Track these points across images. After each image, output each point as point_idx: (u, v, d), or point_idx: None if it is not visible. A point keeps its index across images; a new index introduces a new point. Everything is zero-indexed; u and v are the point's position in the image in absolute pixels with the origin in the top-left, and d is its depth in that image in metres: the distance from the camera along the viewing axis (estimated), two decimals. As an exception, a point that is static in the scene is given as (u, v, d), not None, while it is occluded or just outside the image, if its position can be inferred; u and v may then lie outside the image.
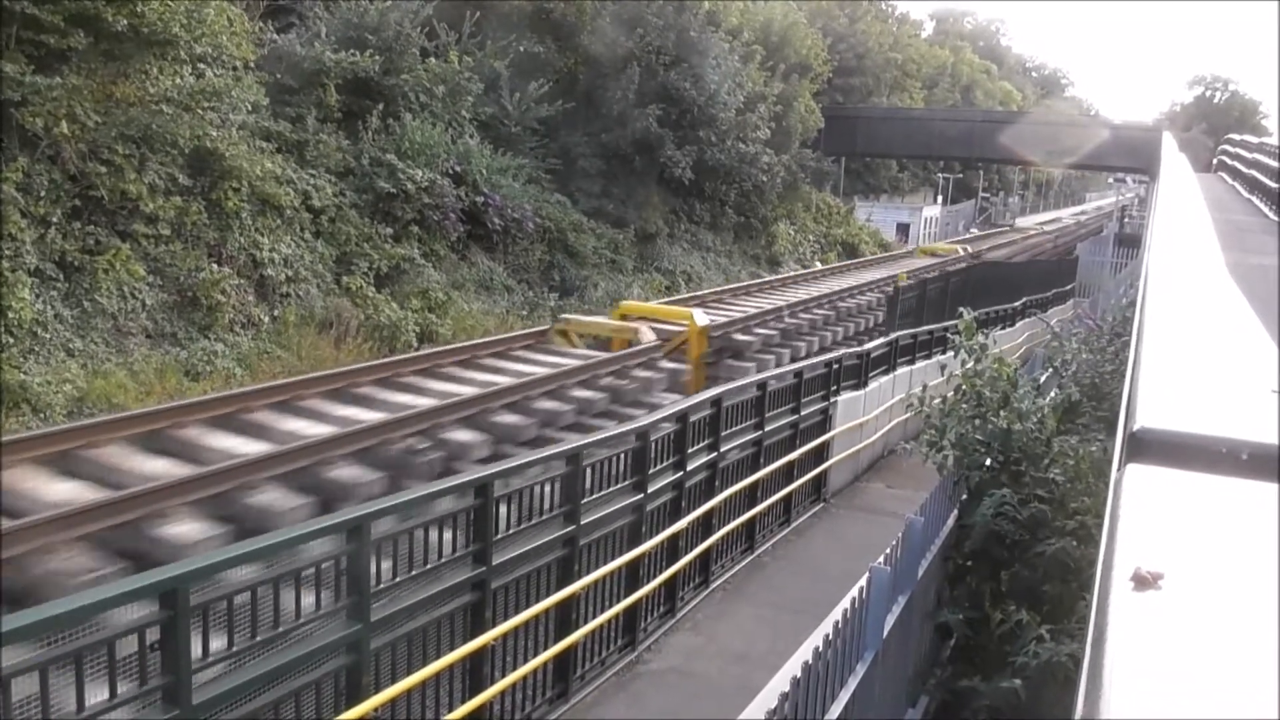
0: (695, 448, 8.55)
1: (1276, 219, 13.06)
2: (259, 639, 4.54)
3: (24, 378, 11.02)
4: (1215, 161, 25.81)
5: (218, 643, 4.33)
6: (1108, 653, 0.78)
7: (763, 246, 31.53)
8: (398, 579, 5.35)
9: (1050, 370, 9.67)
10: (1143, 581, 0.87)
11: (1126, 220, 46.85)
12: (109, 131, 13.36)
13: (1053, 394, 8.22)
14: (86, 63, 13.31)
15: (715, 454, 8.94)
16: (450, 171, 19.61)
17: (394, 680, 5.28)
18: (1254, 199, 15.88)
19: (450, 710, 5.67)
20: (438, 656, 5.60)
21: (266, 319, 14.91)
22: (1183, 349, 2.14)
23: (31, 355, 11.49)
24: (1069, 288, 30.09)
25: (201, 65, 15.21)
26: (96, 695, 3.79)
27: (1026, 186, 75.44)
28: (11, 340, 11.29)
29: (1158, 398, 1.46)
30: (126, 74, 13.91)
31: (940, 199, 52.66)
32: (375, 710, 5.07)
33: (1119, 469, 1.25)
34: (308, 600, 4.82)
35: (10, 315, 11.34)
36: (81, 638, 3.74)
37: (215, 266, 14.38)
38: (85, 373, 11.67)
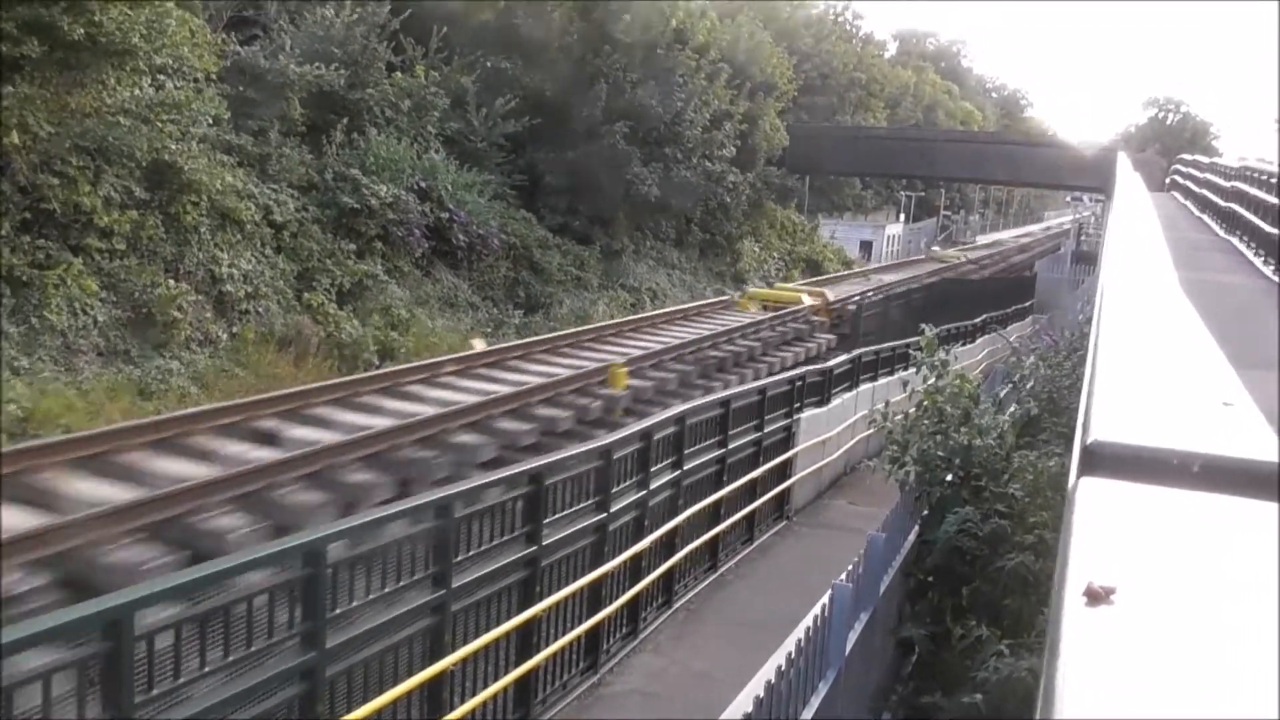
0: (658, 466, 8.51)
1: (1226, 236, 13.34)
2: (208, 669, 4.40)
3: (-34, 396, 10.71)
4: (1168, 181, 26.37)
5: (164, 673, 4.20)
6: (1059, 669, 0.76)
7: (728, 263, 31.67)
8: (354, 603, 5.24)
9: (1010, 386, 9.77)
10: (1095, 596, 0.84)
11: (1083, 238, 47.68)
12: (63, 142, 13.10)
13: (1012, 409, 8.29)
14: (40, 71, 13.03)
15: (679, 472, 8.90)
16: (415, 187, 19.48)
17: (350, 708, 5.16)
18: (1205, 217, 16.24)
19: (408, 735, 5.55)
20: (395, 682, 5.48)
21: (225, 336, 14.66)
22: (1137, 363, 2.14)
23: (-24, 373, 11.18)
24: (1028, 304, 30.53)
25: (162, 76, 14.97)
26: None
27: (987, 205, 76.58)
28: (-44, 357, 10.99)
29: (1111, 411, 1.44)
30: (83, 84, 13.64)
31: (903, 217, 53.22)
32: (330, 737, 4.95)
33: (1074, 482, 1.23)
34: (260, 627, 4.69)
35: (-45, 332, 11.04)
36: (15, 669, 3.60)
37: (172, 282, 14.12)
38: (31, 392, 11.36)
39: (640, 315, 20.16)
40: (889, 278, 32.27)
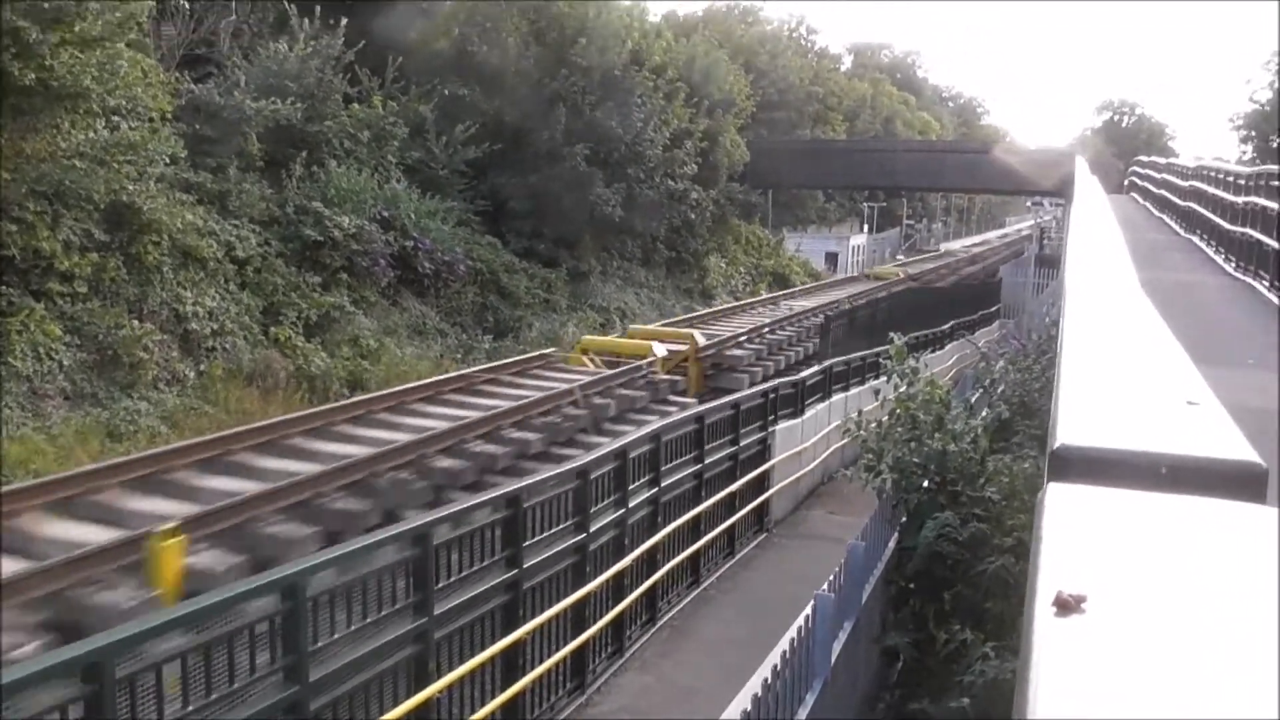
0: (636, 484, 8.50)
1: (1185, 235, 13.62)
2: (191, 709, 4.35)
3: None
4: (1126, 182, 26.89)
5: (147, 715, 4.14)
6: (1031, 680, 0.76)
7: (695, 280, 31.79)
8: (336, 635, 5.20)
9: (980, 390, 9.87)
10: (1065, 606, 0.85)
11: (1045, 242, 48.30)
12: (18, 188, 12.94)
13: (984, 413, 8.38)
14: (-8, 118, 12.90)
15: (656, 489, 8.90)
16: (378, 217, 19.41)
17: (335, 742, 5.10)
18: (1164, 217, 16.57)
19: (395, 769, 5.48)
20: (380, 713, 5.43)
21: (192, 374, 14.50)
22: (1102, 366, 2.18)
23: (-60, 423, 10.98)
24: (995, 309, 30.87)
25: (116, 118, 14.85)
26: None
27: (949, 212, 77.47)
28: (-82, 408, 10.79)
29: (1077, 415, 1.47)
30: (36, 129, 13.50)
31: (866, 228, 53.72)
32: (316, 776, 4.89)
33: (1043, 488, 1.26)
34: (243, 664, 4.64)
35: (-84, 382, 10.84)
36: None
37: (136, 323, 13.96)
38: (-1, 439, 11.18)
39: (386, 392, 13.00)
40: (802, 304, 26.29)
